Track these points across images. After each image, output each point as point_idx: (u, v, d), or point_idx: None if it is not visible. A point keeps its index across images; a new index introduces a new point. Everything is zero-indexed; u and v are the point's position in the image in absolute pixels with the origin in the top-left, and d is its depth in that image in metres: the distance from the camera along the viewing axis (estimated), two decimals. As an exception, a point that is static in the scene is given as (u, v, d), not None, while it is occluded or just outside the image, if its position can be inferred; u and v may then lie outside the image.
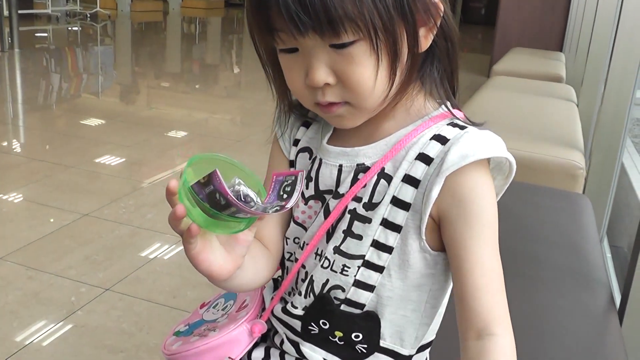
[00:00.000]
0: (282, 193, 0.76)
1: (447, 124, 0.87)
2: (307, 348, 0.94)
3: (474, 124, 0.89)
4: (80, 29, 11.03)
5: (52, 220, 3.02)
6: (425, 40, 0.83)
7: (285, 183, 0.78)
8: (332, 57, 0.79)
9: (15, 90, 6.25)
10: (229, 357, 0.97)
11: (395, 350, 0.92)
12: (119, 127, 4.91)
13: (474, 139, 0.82)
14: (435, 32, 0.83)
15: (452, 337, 0.83)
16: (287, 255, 0.99)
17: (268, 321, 1.00)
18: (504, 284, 0.82)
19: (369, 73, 0.79)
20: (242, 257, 0.83)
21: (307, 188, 0.94)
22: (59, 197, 3.32)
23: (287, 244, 0.99)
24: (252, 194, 0.76)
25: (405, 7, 0.78)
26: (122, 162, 4.04)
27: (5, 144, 4.38)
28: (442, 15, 0.83)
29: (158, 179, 3.70)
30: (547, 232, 1.81)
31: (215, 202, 0.71)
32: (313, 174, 0.93)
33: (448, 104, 0.89)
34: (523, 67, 5.17)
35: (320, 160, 0.93)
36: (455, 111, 0.89)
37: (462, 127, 0.86)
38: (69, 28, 11.14)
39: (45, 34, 10.40)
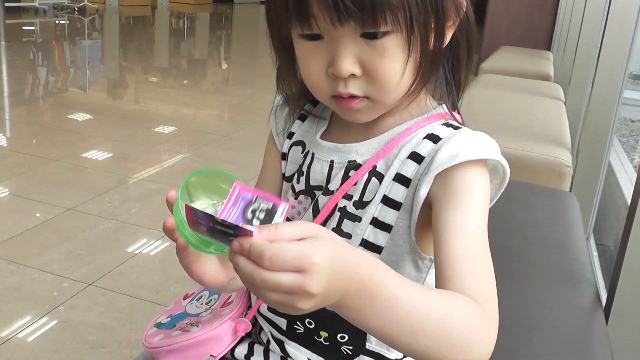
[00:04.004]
0: (250, 216, 0.65)
1: (442, 124, 0.85)
2: (291, 347, 0.93)
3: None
4: (67, 22, 10.93)
5: (35, 214, 2.99)
6: (446, 37, 0.82)
7: (258, 208, 0.66)
8: (362, 48, 0.76)
9: (1, 83, 6.18)
10: (211, 355, 0.96)
11: (382, 353, 0.91)
12: (105, 121, 4.87)
13: (466, 139, 0.81)
14: (454, 29, 0.82)
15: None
16: None
17: (253, 318, 0.99)
18: (491, 266, 0.75)
19: (397, 67, 0.78)
20: None
21: (298, 182, 0.93)
22: (43, 190, 3.28)
23: None
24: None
25: (440, 1, 0.77)
26: (108, 156, 4.00)
27: (-11, 137, 4.34)
28: (464, 10, 0.82)
29: (144, 173, 3.67)
30: (534, 230, 1.81)
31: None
32: (305, 169, 0.92)
33: (446, 105, 0.88)
34: (511, 66, 5.18)
35: (313, 155, 0.91)
36: (453, 113, 0.88)
37: (456, 128, 0.85)
38: (57, 21, 11.04)
39: (33, 27, 10.31)
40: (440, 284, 0.74)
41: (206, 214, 0.59)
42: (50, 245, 2.67)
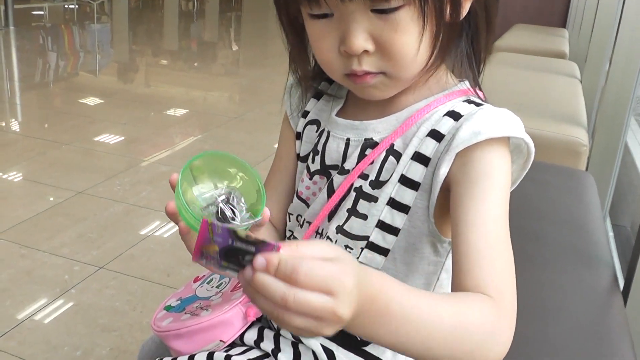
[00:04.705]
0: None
1: (463, 101, 0.82)
2: (303, 332, 0.90)
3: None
4: (76, 6, 10.88)
5: (46, 198, 2.98)
6: (463, 8, 0.78)
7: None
8: (373, 23, 0.73)
9: (11, 68, 6.18)
10: (221, 340, 0.93)
11: None
12: (115, 104, 4.86)
13: (488, 115, 0.77)
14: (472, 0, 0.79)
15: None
16: (287, 234, 0.95)
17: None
18: (511, 257, 0.72)
19: (412, 41, 0.74)
20: None
21: (312, 162, 0.90)
22: (53, 174, 3.27)
23: (289, 220, 0.95)
24: (228, 211, 0.69)
25: None
26: (118, 139, 3.99)
27: (0, 122, 4.33)
28: None
29: (154, 156, 3.66)
30: (550, 209, 1.77)
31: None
32: (320, 148, 0.89)
33: (467, 82, 0.85)
34: (526, 44, 5.10)
35: (328, 133, 0.89)
36: (476, 89, 0.85)
37: (478, 105, 0.81)
38: (66, 6, 11.00)
39: (42, 12, 10.26)
40: (456, 275, 0.71)
41: (226, 228, 0.53)
42: (60, 229, 2.66)
